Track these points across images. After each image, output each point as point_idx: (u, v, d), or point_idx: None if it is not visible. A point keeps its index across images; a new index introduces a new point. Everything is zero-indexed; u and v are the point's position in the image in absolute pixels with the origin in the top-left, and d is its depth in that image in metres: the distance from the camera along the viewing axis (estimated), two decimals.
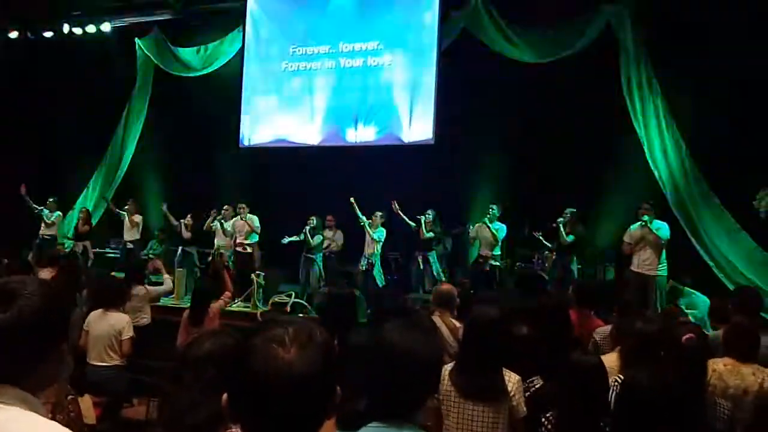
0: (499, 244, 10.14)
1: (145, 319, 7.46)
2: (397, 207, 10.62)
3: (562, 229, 9.65)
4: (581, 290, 6.09)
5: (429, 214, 10.53)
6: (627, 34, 10.55)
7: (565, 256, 9.76)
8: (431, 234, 10.51)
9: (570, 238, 9.65)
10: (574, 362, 3.14)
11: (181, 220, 12.03)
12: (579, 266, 9.96)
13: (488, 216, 10.15)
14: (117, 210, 12.64)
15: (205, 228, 11.80)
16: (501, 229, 10.11)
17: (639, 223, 8.75)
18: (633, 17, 10.51)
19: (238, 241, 11.23)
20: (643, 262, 8.75)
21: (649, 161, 10.42)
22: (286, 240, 11.13)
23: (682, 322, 4.49)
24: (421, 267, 10.49)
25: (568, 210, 9.78)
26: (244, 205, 11.28)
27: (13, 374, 1.47)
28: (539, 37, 11.23)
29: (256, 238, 11.26)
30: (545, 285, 8.98)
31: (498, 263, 10.10)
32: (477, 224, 10.27)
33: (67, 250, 12.02)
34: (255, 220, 11.23)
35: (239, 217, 11.26)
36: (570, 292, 6.41)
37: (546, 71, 11.04)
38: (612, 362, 3.85)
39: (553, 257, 9.98)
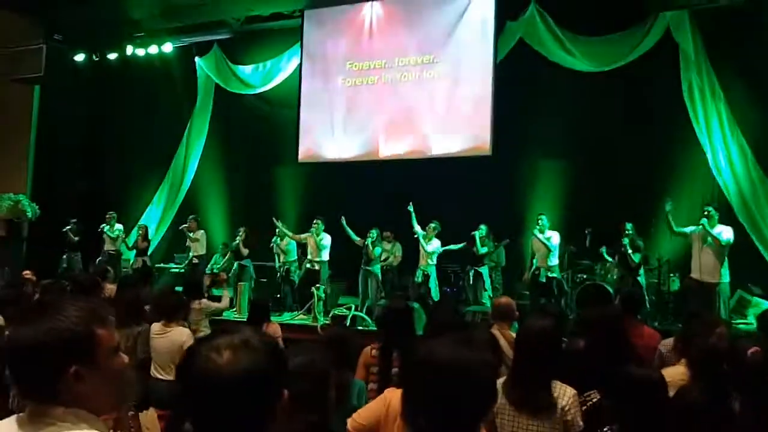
0: (555, 253, 9.97)
1: (203, 333, 7.56)
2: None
3: (629, 250, 9.34)
4: (625, 299, 6.01)
5: (482, 229, 10.43)
6: (687, 40, 10.37)
7: (635, 272, 9.47)
8: (485, 249, 10.41)
9: (636, 257, 9.33)
10: (633, 377, 3.06)
11: (237, 237, 12.15)
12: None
13: (538, 227, 10.03)
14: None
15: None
16: (552, 238, 9.93)
17: (698, 227, 8.57)
18: (693, 22, 10.33)
19: (309, 257, 11.25)
20: (704, 268, 8.52)
21: (713, 168, 10.18)
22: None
23: (748, 334, 4.35)
24: (471, 282, 10.41)
25: (628, 225, 9.48)
26: (318, 222, 11.12)
27: (53, 393, 1.48)
28: (597, 46, 11.11)
29: (326, 257, 11.22)
30: (610, 297, 8.82)
31: (555, 274, 9.94)
32: (532, 237, 10.13)
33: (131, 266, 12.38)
34: (326, 239, 11.12)
35: (312, 233, 11.18)
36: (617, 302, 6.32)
37: (605, 79, 10.93)
38: (678, 374, 3.76)
39: (616, 270, 9.72)
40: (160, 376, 5.95)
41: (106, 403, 1.58)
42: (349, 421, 3.03)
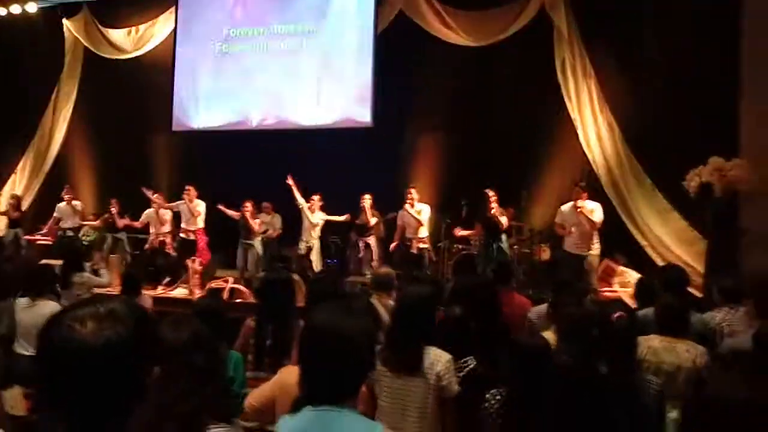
0: (425, 225, 10.12)
1: None
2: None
3: (498, 214, 9.51)
4: (497, 268, 6.20)
5: (368, 198, 10.48)
6: (561, 17, 10.63)
7: (496, 238, 9.67)
8: (375, 219, 10.47)
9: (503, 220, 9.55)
10: (523, 345, 3.20)
11: (111, 209, 11.71)
12: (515, 246, 10.02)
13: (408, 200, 10.16)
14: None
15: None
16: (423, 211, 10.11)
17: (570, 204, 8.89)
18: (566, 0, 10.61)
19: (183, 227, 10.96)
20: (577, 242, 8.89)
21: (582, 143, 10.56)
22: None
23: (612, 300, 4.57)
24: (361, 252, 10.45)
25: (490, 192, 9.58)
26: (190, 188, 10.92)
27: None
28: (475, 21, 11.27)
29: (201, 224, 10.99)
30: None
31: (426, 246, 10.10)
32: (400, 210, 10.27)
33: None
34: (201, 206, 10.94)
35: (184, 201, 10.94)
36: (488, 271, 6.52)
37: (483, 54, 11.12)
38: (549, 340, 3.89)
39: (482, 238, 9.91)
40: (26, 353, 5.69)
41: None
42: (245, 403, 3.08)
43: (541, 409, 2.81)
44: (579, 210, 8.76)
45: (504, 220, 9.40)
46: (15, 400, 4.48)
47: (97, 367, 1.28)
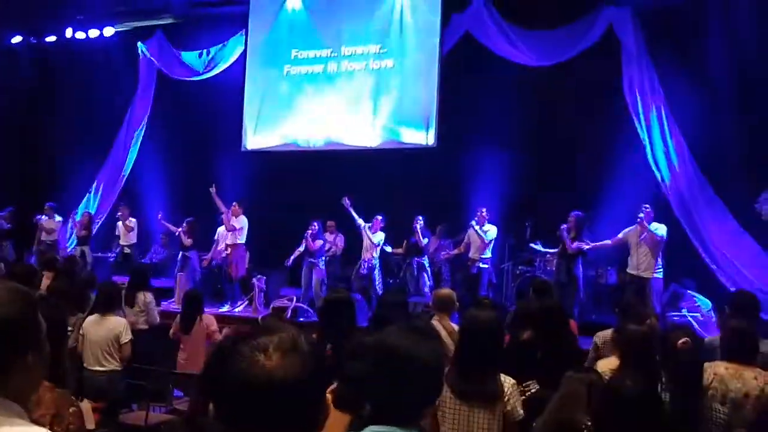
0: (490, 246, 10.11)
1: (144, 324, 7.46)
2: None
3: (566, 236, 9.45)
4: (537, 290, 6.16)
5: (421, 219, 10.49)
6: (628, 36, 10.49)
7: (570, 261, 9.55)
8: (426, 239, 10.48)
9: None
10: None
11: (180, 228, 11.88)
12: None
13: (476, 219, 10.15)
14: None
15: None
16: (490, 232, 10.08)
17: (635, 225, 8.75)
18: (635, 18, 10.47)
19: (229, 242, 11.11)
20: (639, 263, 8.72)
21: (651, 163, 10.38)
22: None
23: (677, 326, 4.48)
24: (415, 273, 10.46)
25: (572, 214, 9.62)
26: (235, 204, 11.03)
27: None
28: (542, 40, 11.20)
29: (239, 240, 11.02)
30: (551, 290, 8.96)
31: (486, 266, 10.08)
32: (469, 229, 10.27)
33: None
34: (238, 221, 11.00)
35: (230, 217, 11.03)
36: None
37: (549, 73, 11.02)
38: (613, 366, 3.84)
39: (555, 261, 9.83)
40: (94, 367, 5.86)
41: (31, 392, 1.51)
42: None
43: None
44: (640, 223, 8.62)
45: (583, 245, 9.31)
46: (86, 414, 4.60)
47: (283, 402, 1.27)
